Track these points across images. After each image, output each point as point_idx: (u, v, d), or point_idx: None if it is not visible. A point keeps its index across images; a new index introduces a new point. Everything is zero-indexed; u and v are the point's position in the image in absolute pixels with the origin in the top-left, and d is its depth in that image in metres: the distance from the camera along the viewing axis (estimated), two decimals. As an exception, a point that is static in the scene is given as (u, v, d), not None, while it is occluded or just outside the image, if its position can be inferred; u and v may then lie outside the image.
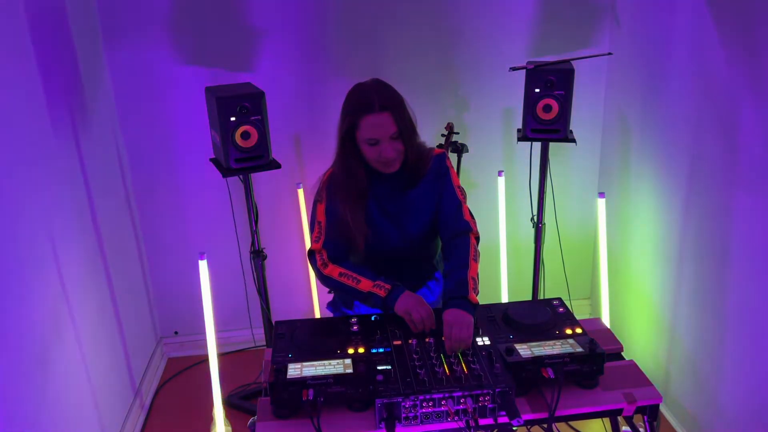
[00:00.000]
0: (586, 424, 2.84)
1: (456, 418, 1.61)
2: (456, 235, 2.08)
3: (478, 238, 2.11)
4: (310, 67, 3.11)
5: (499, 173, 3.10)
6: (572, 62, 2.67)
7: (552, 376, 1.64)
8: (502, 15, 3.11)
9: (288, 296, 3.42)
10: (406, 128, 1.98)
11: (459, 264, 2.00)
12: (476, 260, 2.03)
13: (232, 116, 2.50)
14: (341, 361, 1.70)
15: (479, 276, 2.01)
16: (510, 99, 3.19)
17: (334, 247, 2.08)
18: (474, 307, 1.90)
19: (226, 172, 2.58)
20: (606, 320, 2.95)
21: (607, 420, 2.41)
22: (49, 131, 2.32)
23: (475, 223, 2.13)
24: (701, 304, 2.53)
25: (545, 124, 2.67)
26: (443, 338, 1.82)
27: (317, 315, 3.36)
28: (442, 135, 3.00)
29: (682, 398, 2.73)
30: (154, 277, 3.38)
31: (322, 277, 2.08)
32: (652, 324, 2.92)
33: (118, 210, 3.02)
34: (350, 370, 1.64)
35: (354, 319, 1.94)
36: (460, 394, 1.61)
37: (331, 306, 2.31)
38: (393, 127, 1.95)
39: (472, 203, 2.22)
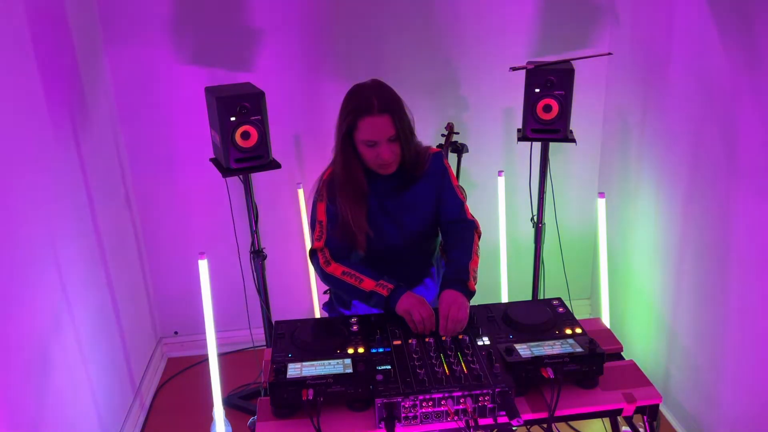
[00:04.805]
0: (586, 424, 2.84)
1: (456, 417, 1.61)
2: (462, 229, 2.11)
3: (480, 236, 2.15)
4: (310, 67, 3.11)
5: (499, 173, 3.10)
6: (572, 62, 2.67)
7: (552, 376, 1.64)
8: (502, 15, 3.11)
9: (288, 296, 3.42)
10: (404, 131, 1.99)
11: (463, 253, 2.04)
12: (478, 255, 2.07)
13: (232, 116, 2.50)
14: (341, 361, 1.69)
15: (478, 273, 2.03)
16: (510, 99, 3.19)
17: (335, 245, 2.08)
18: (471, 294, 1.93)
19: (226, 172, 2.58)
20: (606, 320, 2.95)
21: (607, 420, 2.41)
22: (49, 131, 2.32)
23: (477, 222, 2.16)
24: (701, 304, 2.53)
25: (545, 124, 2.67)
26: (440, 317, 1.85)
27: (317, 315, 3.36)
28: (442, 135, 3.00)
29: (682, 398, 2.73)
30: (154, 277, 3.38)
31: (324, 276, 2.08)
32: (652, 324, 2.92)
33: (118, 210, 3.02)
34: (350, 370, 1.64)
35: (354, 319, 1.94)
36: (459, 393, 1.61)
37: (327, 307, 2.31)
38: (391, 130, 1.96)
39: (472, 203, 2.23)
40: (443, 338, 1.84)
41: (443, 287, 1.95)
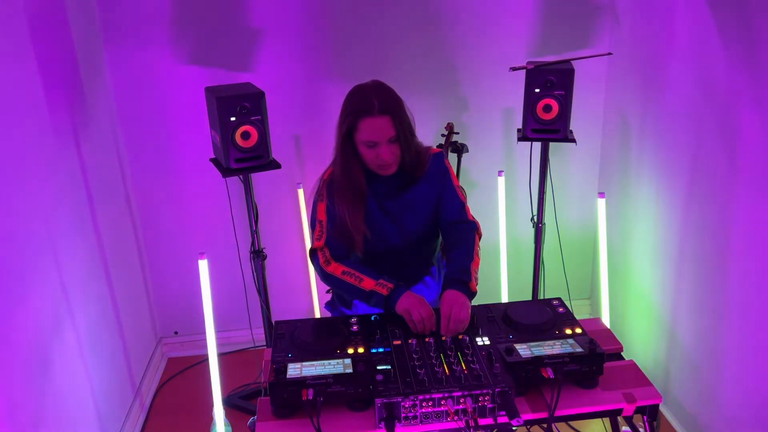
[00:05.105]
0: (586, 424, 2.84)
1: (455, 417, 1.61)
2: (463, 230, 2.12)
3: (480, 237, 2.15)
4: (310, 67, 3.11)
5: (499, 173, 3.10)
6: (572, 62, 2.67)
7: (552, 376, 1.64)
8: (502, 15, 3.11)
9: (288, 296, 3.42)
10: (404, 132, 1.99)
11: (465, 253, 2.04)
12: (479, 256, 2.08)
13: (232, 116, 2.50)
14: (341, 360, 1.69)
15: (479, 274, 2.04)
16: (510, 99, 3.19)
17: (336, 245, 2.09)
18: (472, 295, 1.93)
19: (226, 172, 2.59)
20: (606, 320, 2.95)
21: (607, 420, 2.41)
22: (49, 131, 2.32)
23: (478, 223, 2.16)
24: (701, 304, 2.53)
25: (545, 124, 2.67)
26: (441, 317, 1.85)
27: (317, 315, 3.36)
28: (442, 135, 3.00)
29: (682, 398, 2.73)
30: (154, 277, 3.38)
31: (324, 275, 2.09)
32: (652, 324, 2.92)
33: (118, 210, 3.02)
34: (350, 370, 1.64)
35: (354, 319, 1.94)
36: (459, 393, 1.61)
37: (329, 306, 2.32)
38: (391, 131, 1.96)
39: (472, 203, 2.23)
40: (443, 338, 1.84)
41: (445, 287, 1.95)
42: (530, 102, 2.65)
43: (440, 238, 2.25)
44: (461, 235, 2.10)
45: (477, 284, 1.99)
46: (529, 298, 3.17)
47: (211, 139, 2.72)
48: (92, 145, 2.73)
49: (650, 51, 2.80)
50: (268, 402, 1.68)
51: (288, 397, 1.62)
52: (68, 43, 2.58)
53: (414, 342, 1.83)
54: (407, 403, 1.60)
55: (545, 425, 1.63)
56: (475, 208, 2.25)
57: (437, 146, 3.00)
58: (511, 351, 1.72)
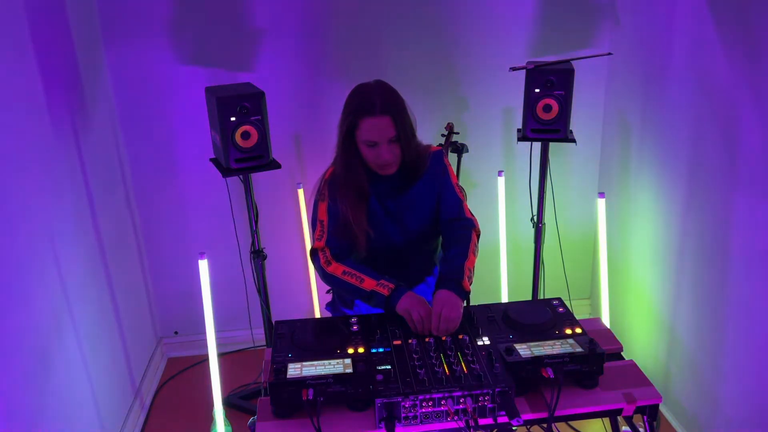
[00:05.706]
0: (585, 424, 2.84)
1: (456, 417, 1.61)
2: (459, 229, 2.12)
3: (479, 235, 2.15)
4: (310, 67, 3.11)
5: (499, 173, 3.10)
6: (572, 62, 2.67)
7: (552, 376, 1.64)
8: (502, 15, 3.11)
9: (288, 296, 3.42)
10: (405, 133, 1.99)
11: (459, 252, 2.04)
12: (475, 254, 2.07)
13: (232, 116, 2.50)
14: (341, 360, 1.70)
15: (476, 272, 2.04)
16: (510, 99, 3.19)
17: (336, 245, 2.09)
18: (465, 294, 1.94)
19: (226, 172, 2.59)
20: (606, 320, 2.95)
21: (606, 420, 2.41)
22: (49, 131, 2.32)
23: (476, 220, 2.16)
24: (701, 304, 2.53)
25: (545, 124, 2.67)
26: (432, 316, 1.85)
27: (317, 315, 3.36)
28: (442, 135, 3.00)
29: (682, 398, 2.73)
30: (154, 277, 3.38)
31: (325, 275, 2.09)
32: (652, 324, 2.92)
33: (118, 210, 3.02)
34: (350, 370, 1.64)
35: (354, 319, 1.94)
36: (459, 393, 1.61)
37: (330, 307, 2.32)
38: (392, 131, 1.96)
39: (472, 203, 2.23)
40: (443, 338, 1.84)
41: (438, 286, 1.96)
42: (530, 102, 2.65)
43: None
44: (458, 233, 2.11)
45: (471, 282, 1.98)
46: (529, 298, 3.16)
47: (211, 139, 2.72)
48: (92, 145, 2.73)
49: (650, 51, 2.80)
50: (268, 402, 1.68)
51: (288, 397, 1.62)
52: (68, 43, 2.58)
53: (414, 342, 1.83)
54: (407, 403, 1.60)
55: (545, 425, 1.63)
56: (475, 208, 2.25)
57: (437, 146, 3.00)
58: (511, 351, 1.72)
